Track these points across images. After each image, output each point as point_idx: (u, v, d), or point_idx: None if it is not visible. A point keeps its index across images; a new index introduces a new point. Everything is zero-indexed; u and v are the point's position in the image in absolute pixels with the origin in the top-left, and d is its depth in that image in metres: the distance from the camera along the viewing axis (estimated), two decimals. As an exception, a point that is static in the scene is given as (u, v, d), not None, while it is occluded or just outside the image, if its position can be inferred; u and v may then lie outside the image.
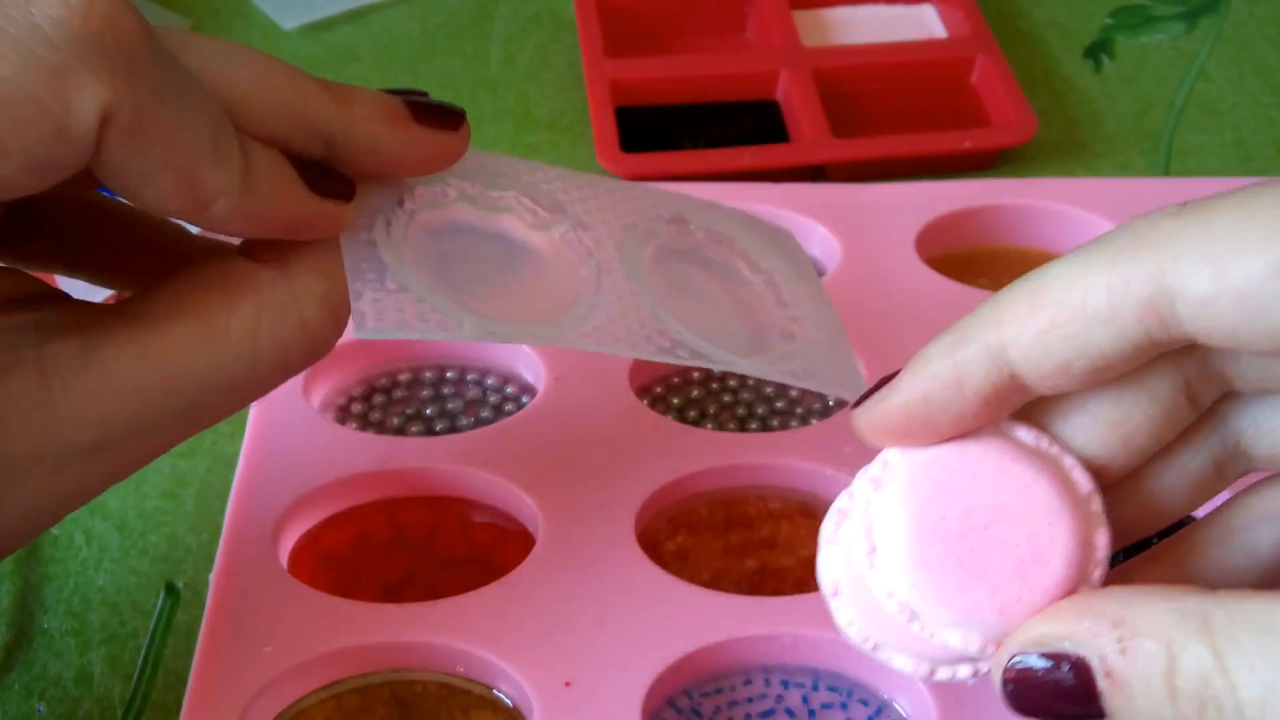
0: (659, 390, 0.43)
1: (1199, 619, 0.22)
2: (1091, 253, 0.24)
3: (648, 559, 0.37)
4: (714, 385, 0.43)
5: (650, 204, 0.34)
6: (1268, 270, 0.22)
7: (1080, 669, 0.23)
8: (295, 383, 0.41)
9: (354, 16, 0.60)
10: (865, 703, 0.35)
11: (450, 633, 0.35)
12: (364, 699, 0.35)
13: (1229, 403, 0.27)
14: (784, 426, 0.42)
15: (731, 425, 0.42)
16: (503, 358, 0.43)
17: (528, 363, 0.42)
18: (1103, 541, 0.26)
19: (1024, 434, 0.27)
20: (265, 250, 0.27)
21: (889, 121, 0.54)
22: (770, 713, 0.35)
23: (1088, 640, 0.23)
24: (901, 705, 0.35)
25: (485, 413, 0.42)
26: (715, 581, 0.37)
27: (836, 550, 0.28)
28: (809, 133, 0.51)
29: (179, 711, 0.33)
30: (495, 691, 0.35)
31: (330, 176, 0.27)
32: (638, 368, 0.42)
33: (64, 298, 0.26)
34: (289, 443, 0.39)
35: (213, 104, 0.24)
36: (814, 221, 0.47)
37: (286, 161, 0.26)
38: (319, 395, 0.42)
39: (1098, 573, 0.26)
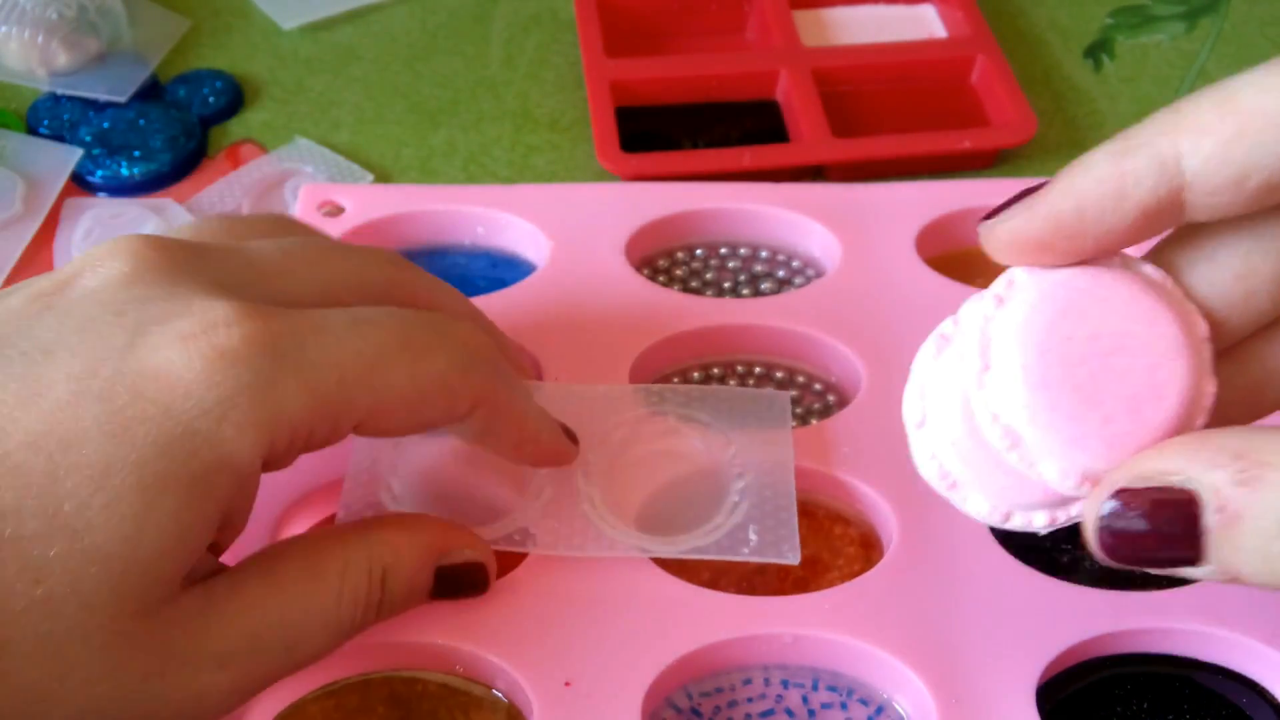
0: (659, 390, 0.43)
1: None
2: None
3: (648, 559, 0.37)
4: (713, 384, 0.43)
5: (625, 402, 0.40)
6: None
7: (1187, 505, 0.22)
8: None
9: (354, 16, 0.60)
10: (865, 702, 0.35)
11: (450, 633, 0.35)
12: (363, 697, 0.35)
13: None
14: (784, 426, 0.42)
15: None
16: (503, 357, 0.43)
17: (527, 363, 0.42)
18: (1210, 390, 0.25)
19: (1151, 271, 0.26)
20: (352, 528, 0.34)
21: (889, 121, 0.54)
22: (770, 713, 0.35)
23: (1202, 474, 0.22)
24: (901, 705, 0.35)
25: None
26: (715, 581, 0.37)
27: (933, 376, 0.27)
28: (809, 133, 0.51)
29: (179, 711, 0.33)
30: (495, 691, 0.35)
31: (570, 434, 0.37)
32: (638, 365, 0.42)
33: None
34: (289, 442, 0.39)
35: (528, 388, 0.37)
36: (814, 221, 0.47)
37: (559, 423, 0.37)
38: (319, 395, 0.42)
39: (1201, 420, 0.25)
